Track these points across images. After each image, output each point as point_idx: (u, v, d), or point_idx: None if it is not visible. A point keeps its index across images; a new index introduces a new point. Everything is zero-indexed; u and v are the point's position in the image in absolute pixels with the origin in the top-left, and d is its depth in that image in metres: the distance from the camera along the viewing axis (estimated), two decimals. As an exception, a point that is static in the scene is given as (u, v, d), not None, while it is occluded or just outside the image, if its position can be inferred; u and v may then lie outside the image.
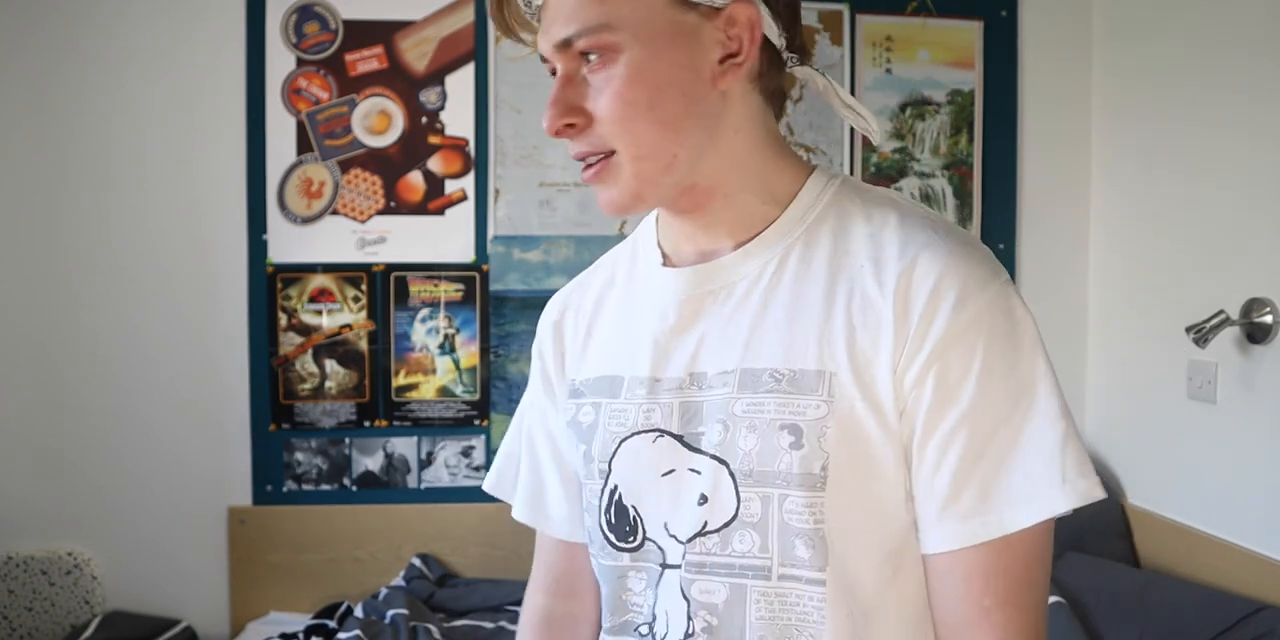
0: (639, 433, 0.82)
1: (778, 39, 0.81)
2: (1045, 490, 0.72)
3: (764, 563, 0.76)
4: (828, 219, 0.81)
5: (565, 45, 0.79)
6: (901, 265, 0.75)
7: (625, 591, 0.84)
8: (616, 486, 0.83)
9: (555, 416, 0.93)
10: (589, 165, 0.80)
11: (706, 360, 0.80)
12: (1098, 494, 0.73)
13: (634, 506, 0.82)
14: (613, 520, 0.84)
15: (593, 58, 0.78)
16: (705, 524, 0.78)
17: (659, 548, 0.81)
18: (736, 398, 0.77)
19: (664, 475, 0.80)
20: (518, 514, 0.97)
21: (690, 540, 0.79)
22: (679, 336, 0.82)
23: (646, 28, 0.76)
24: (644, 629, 0.82)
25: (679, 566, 0.79)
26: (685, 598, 0.79)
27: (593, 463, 0.85)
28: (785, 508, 0.75)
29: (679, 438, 0.80)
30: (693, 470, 0.79)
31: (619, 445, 0.83)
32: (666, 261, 0.86)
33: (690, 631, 0.78)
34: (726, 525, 0.77)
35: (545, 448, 0.95)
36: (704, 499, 0.78)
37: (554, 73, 0.83)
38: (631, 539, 0.83)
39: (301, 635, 2.06)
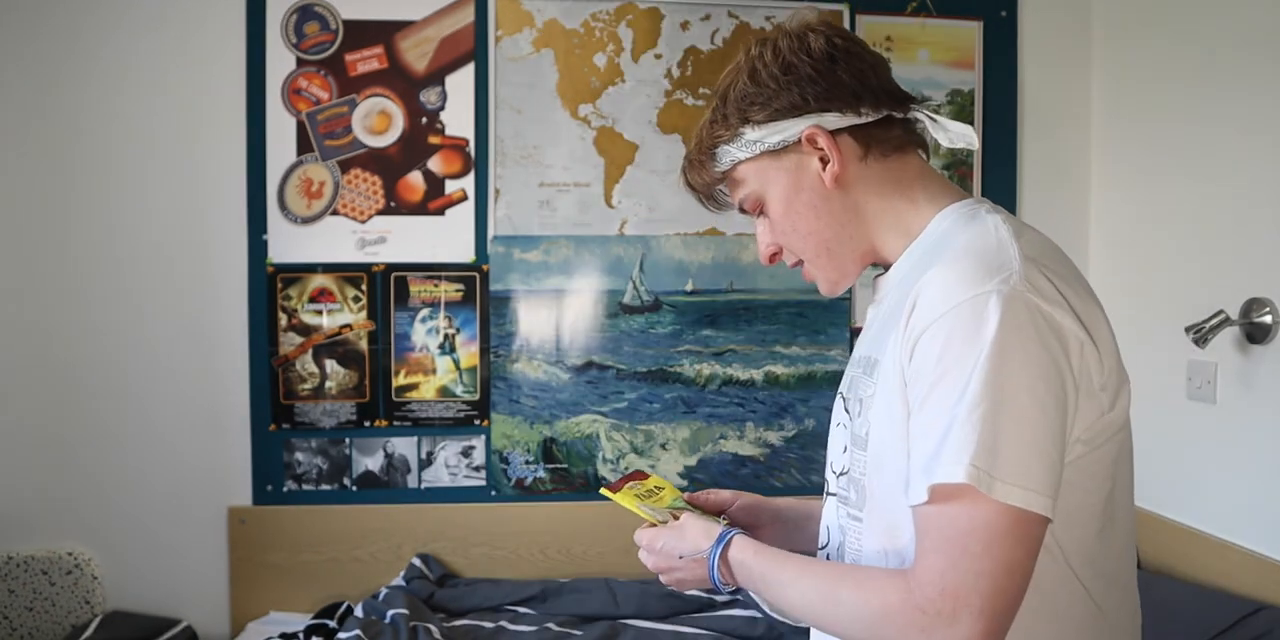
0: (838, 394, 1.08)
1: (859, 120, 1.00)
2: (950, 464, 0.83)
3: (849, 501, 1.00)
4: (927, 247, 0.99)
5: (741, 208, 1.08)
6: (927, 274, 0.91)
7: (824, 512, 1.09)
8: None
9: None
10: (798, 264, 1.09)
11: (865, 347, 1.04)
12: (979, 483, 0.82)
13: (828, 448, 1.10)
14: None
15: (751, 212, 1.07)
16: (844, 467, 1.01)
17: (827, 480, 1.08)
18: (861, 377, 1.00)
19: (835, 426, 1.06)
20: None
21: (836, 478, 1.04)
22: (866, 327, 1.08)
23: (764, 180, 1.04)
24: (820, 537, 1.09)
25: (835, 495, 1.04)
26: (832, 519, 1.05)
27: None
28: (854, 460, 0.99)
29: (845, 400, 1.04)
30: (840, 425, 1.04)
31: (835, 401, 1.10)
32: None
33: (826, 542, 1.06)
34: (846, 471, 1.01)
35: None
36: (844, 448, 1.01)
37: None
38: (825, 472, 1.10)
39: (301, 635, 2.06)
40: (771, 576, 0.96)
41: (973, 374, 0.83)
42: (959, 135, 1.03)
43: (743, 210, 1.08)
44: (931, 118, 1.04)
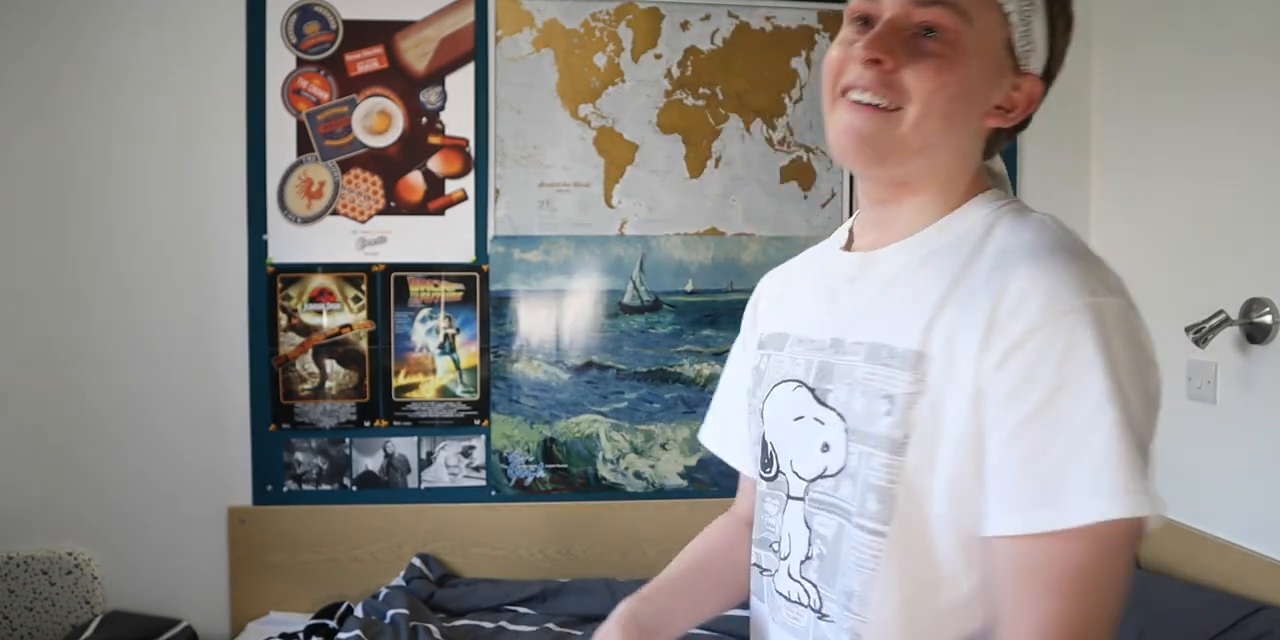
0: (786, 381, 0.97)
1: (1030, 113, 0.93)
2: (1108, 493, 0.74)
3: (851, 509, 0.87)
4: (980, 228, 0.90)
5: (923, 3, 0.85)
6: (1011, 273, 0.82)
7: (763, 512, 0.99)
8: (764, 423, 1.00)
9: (744, 366, 1.10)
10: (868, 105, 0.87)
11: (847, 330, 0.92)
12: (1149, 510, 0.74)
13: (772, 443, 0.98)
14: (759, 452, 1.01)
15: (932, 33, 0.86)
16: (825, 469, 0.90)
17: (787, 481, 0.95)
18: (861, 365, 0.88)
19: (795, 420, 0.94)
20: (705, 439, 1.19)
21: (814, 480, 0.92)
22: (835, 307, 0.96)
23: (985, 43, 0.87)
24: (775, 546, 0.97)
25: (802, 499, 0.93)
26: (808, 527, 0.92)
27: (756, 403, 1.02)
28: (870, 465, 0.85)
29: (811, 390, 0.93)
30: (817, 420, 0.91)
31: (772, 389, 0.99)
32: (848, 246, 0.99)
33: (809, 555, 0.92)
34: (839, 473, 0.89)
35: (737, 393, 1.11)
36: (826, 447, 0.90)
37: (863, 20, 0.89)
38: (769, 470, 0.98)
39: (301, 635, 2.06)
40: None
41: (1102, 390, 0.75)
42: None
43: (916, 5, 0.85)
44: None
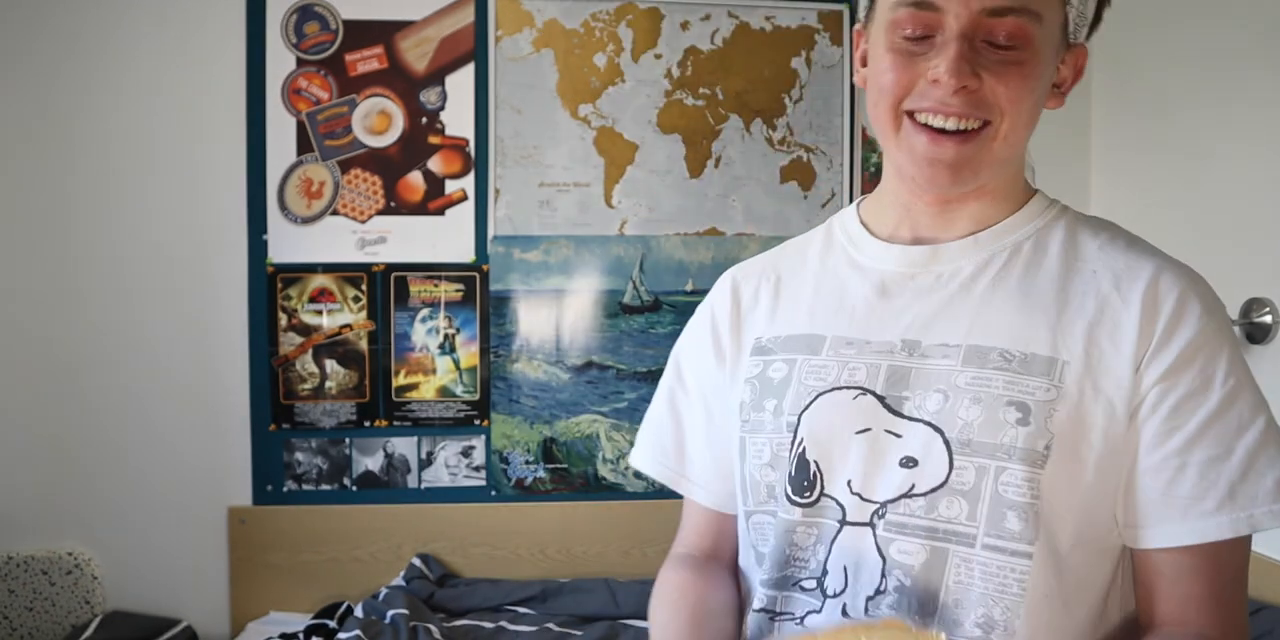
0: (840, 388, 0.86)
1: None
2: (1271, 498, 0.77)
3: (970, 530, 0.79)
4: (1057, 226, 0.88)
5: (996, 14, 0.79)
6: (1146, 278, 0.81)
7: (791, 546, 0.86)
8: (803, 440, 0.86)
9: (719, 380, 0.98)
10: (961, 133, 0.82)
11: (925, 331, 0.85)
12: None
13: (816, 461, 0.85)
14: (793, 473, 0.87)
15: (1005, 40, 0.80)
16: (913, 487, 0.81)
17: (838, 504, 0.84)
18: (960, 370, 0.81)
19: (858, 432, 0.84)
20: (644, 464, 1.05)
21: (894, 501, 0.81)
22: (894, 305, 0.87)
23: (1052, 35, 0.83)
24: (809, 583, 0.85)
25: (869, 525, 0.82)
26: (882, 556, 0.81)
27: (782, 417, 0.88)
28: (1002, 480, 0.78)
29: (880, 398, 0.84)
30: (890, 432, 0.82)
31: (815, 399, 0.86)
32: (884, 237, 0.92)
33: (882, 589, 0.81)
34: (934, 490, 0.80)
35: (697, 410, 1.00)
36: (912, 462, 0.81)
37: (912, 36, 0.82)
38: (808, 494, 0.85)
39: (301, 635, 2.06)
40: None
41: (1253, 401, 0.79)
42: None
43: (985, 17, 0.79)
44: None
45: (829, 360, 0.87)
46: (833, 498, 0.84)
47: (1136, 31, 2.37)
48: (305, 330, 2.37)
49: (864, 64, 0.90)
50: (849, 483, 0.84)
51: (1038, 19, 0.80)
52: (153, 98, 2.30)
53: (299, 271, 2.36)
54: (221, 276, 2.34)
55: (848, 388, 0.85)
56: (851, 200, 2.53)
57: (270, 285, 2.35)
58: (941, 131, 0.81)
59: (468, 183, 2.40)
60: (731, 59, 2.46)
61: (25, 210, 2.28)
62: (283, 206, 2.36)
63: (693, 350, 1.04)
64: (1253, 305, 1.94)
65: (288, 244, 2.36)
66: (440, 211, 2.40)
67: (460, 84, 2.39)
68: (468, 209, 2.41)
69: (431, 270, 2.40)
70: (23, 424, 2.27)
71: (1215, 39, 2.07)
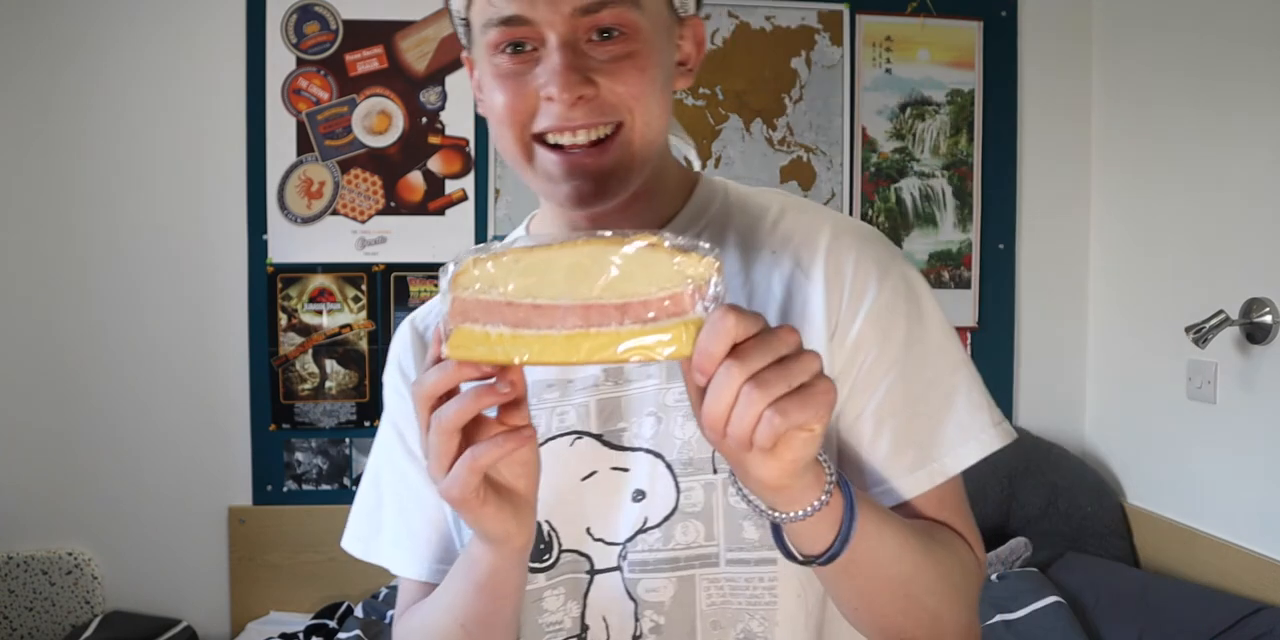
0: (554, 438, 0.79)
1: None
2: (978, 434, 0.79)
3: (711, 550, 0.77)
4: (730, 212, 0.84)
5: (590, 12, 0.73)
6: (823, 248, 0.79)
7: (540, 614, 0.80)
8: None
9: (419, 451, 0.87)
10: (596, 143, 0.75)
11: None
12: (1013, 434, 0.81)
13: (547, 521, 0.79)
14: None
15: (614, 33, 0.74)
16: (645, 520, 0.77)
17: (583, 556, 0.79)
18: (667, 387, 0.77)
19: (584, 479, 0.79)
20: (358, 548, 0.96)
21: (631, 539, 0.77)
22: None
23: (659, 17, 0.78)
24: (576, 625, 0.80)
25: (616, 569, 0.78)
26: (632, 598, 0.78)
27: None
28: (730, 492, 0.75)
29: (598, 437, 0.79)
30: (616, 468, 0.78)
31: None
32: None
33: (638, 633, 0.78)
34: (667, 519, 0.77)
35: (406, 489, 0.93)
36: (640, 495, 0.77)
37: (512, 46, 0.75)
38: (546, 558, 0.80)
39: (301, 635, 2.06)
40: (885, 515, 0.72)
41: (947, 347, 0.83)
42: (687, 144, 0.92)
43: (578, 17, 0.73)
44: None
45: (535, 410, 0.79)
46: (574, 551, 0.79)
47: (1137, 32, 2.37)
48: (305, 330, 2.37)
49: (481, 92, 0.81)
50: (588, 530, 0.79)
51: (635, 4, 0.74)
52: (153, 98, 2.30)
53: (299, 271, 2.36)
54: (221, 276, 2.34)
55: (561, 435, 0.79)
56: (852, 200, 2.54)
57: (270, 285, 2.35)
58: (574, 147, 0.75)
59: (468, 183, 2.40)
60: (731, 59, 2.46)
61: (26, 210, 2.28)
62: (283, 206, 2.36)
63: (404, 413, 0.91)
64: (1253, 305, 1.94)
65: (288, 244, 2.36)
66: (440, 211, 2.40)
67: (460, 84, 2.39)
68: (468, 209, 2.41)
69: (432, 270, 2.40)
70: (23, 424, 2.27)
71: (1216, 39, 2.07)
